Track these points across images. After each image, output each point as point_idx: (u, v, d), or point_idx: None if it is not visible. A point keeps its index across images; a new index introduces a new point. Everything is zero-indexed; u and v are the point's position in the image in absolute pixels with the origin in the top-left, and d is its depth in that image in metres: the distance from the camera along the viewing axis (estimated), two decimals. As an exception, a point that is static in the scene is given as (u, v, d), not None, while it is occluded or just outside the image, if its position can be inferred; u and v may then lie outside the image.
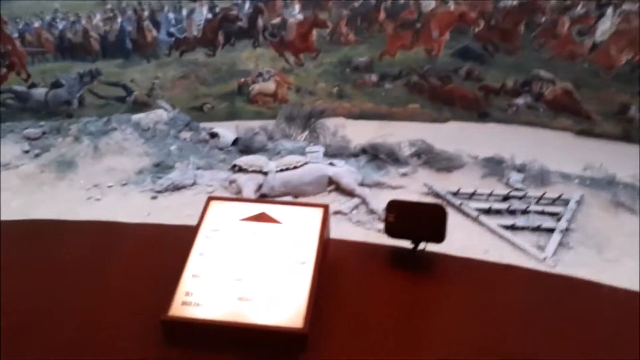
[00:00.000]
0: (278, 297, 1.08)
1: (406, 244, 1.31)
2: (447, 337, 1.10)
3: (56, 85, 10.16)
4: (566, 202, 5.23)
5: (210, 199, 1.30)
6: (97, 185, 5.57)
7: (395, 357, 1.04)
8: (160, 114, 6.79)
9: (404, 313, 1.15)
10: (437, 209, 1.23)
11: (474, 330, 1.10)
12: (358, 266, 1.27)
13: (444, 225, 1.21)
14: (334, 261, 1.24)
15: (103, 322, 1.10)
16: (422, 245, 1.28)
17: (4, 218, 1.50)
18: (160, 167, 5.98)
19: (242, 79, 10.51)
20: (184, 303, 1.08)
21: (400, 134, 7.01)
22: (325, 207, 1.28)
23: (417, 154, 6.35)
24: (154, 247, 1.30)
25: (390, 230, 1.25)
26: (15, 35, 9.86)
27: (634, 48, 8.29)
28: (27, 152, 6.26)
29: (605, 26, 8.43)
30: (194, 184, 5.66)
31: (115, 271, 1.21)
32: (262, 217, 1.24)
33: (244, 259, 1.16)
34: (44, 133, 6.55)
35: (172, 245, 1.27)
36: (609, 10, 8.38)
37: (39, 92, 10.02)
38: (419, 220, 1.23)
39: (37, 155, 6.12)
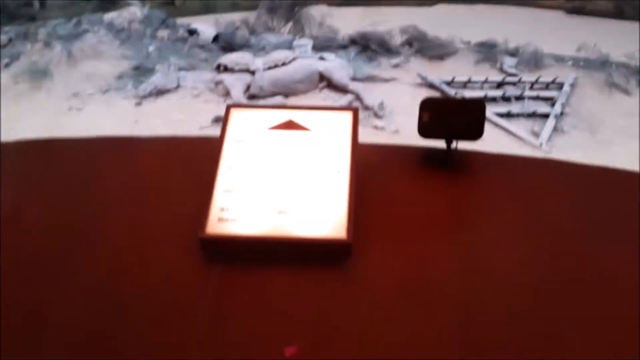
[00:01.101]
0: (316, 208, 1.05)
1: (431, 143, 1.26)
2: (491, 233, 1.09)
3: (12, -16, 9.28)
4: (560, 86, 5.16)
5: (230, 107, 1.21)
6: (76, 94, 5.28)
7: (440, 258, 1.04)
8: (133, 12, 6.29)
9: (445, 214, 1.13)
10: (476, 104, 1.16)
11: (519, 226, 1.09)
12: (391, 170, 1.23)
13: (482, 120, 1.15)
14: (366, 166, 1.19)
15: (138, 243, 1.06)
16: (453, 144, 1.23)
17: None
18: (140, 71, 5.66)
19: (215, -33, 9.69)
20: (220, 219, 1.04)
21: (387, 20, 6.67)
22: (355, 110, 1.21)
23: (408, 42, 6.09)
24: (176, 162, 1.23)
25: (424, 130, 1.19)
26: None
27: None
28: (-5, 61, 5.85)
29: None
30: (178, 86, 5.40)
31: (140, 190, 1.15)
32: (289, 125, 1.17)
33: (276, 170, 1.10)
34: (10, 40, 6.08)
35: (195, 158, 1.21)
36: None
37: (-6, -7, 9.17)
38: (456, 117, 1.16)
39: (7, 65, 5.73)
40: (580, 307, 0.94)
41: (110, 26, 6.08)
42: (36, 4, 9.40)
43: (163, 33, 6.36)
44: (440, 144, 1.25)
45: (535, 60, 5.69)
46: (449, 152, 1.21)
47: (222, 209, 1.05)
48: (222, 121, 1.18)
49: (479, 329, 0.92)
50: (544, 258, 1.03)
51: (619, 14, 8.27)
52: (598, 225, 1.09)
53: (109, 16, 6.28)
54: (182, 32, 6.40)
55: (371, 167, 1.22)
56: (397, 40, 6.08)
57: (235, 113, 1.20)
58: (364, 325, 0.93)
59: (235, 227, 1.03)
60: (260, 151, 1.13)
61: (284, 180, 1.09)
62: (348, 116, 1.19)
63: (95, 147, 1.32)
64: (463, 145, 1.23)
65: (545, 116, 4.71)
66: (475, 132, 1.15)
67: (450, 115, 1.17)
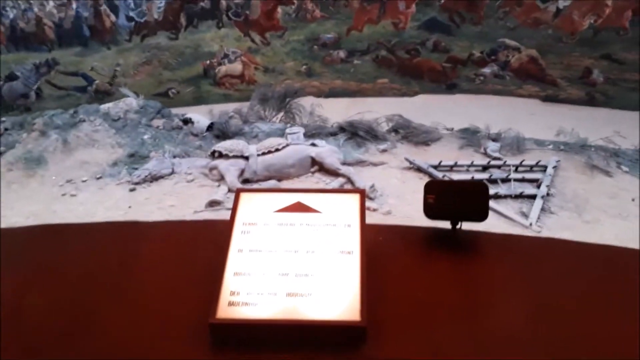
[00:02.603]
0: (329, 290, 1.04)
1: (439, 224, 1.29)
2: (503, 315, 1.09)
3: (11, 77, 9.64)
4: (544, 168, 5.34)
5: (239, 190, 1.24)
6: (70, 180, 5.33)
7: (456, 340, 1.02)
8: (129, 102, 6.51)
9: (455, 294, 1.12)
10: (479, 185, 1.20)
11: (527, 305, 1.09)
12: (400, 251, 1.24)
13: (486, 202, 1.19)
14: (373, 247, 1.20)
15: (145, 327, 1.03)
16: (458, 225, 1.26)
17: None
18: (135, 158, 5.77)
19: (208, 62, 10.23)
20: (231, 303, 1.03)
21: (372, 110, 6.98)
22: (362, 192, 1.24)
23: (394, 129, 6.34)
24: (185, 246, 1.23)
25: (430, 212, 1.22)
26: (-38, 26, 9.27)
27: (596, 12, 8.46)
28: (-11, 150, 5.91)
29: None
30: (172, 173, 5.49)
31: (149, 274, 1.14)
32: (298, 207, 1.19)
33: (287, 252, 1.11)
34: (6, 129, 6.21)
35: (205, 242, 1.22)
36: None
37: (-7, 86, 9.49)
38: (461, 199, 1.20)
39: (1, 153, 5.81)
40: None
41: (106, 116, 6.26)
42: (32, 95, 9.73)
43: (158, 122, 6.55)
44: (443, 224, 1.28)
45: (517, 145, 5.94)
46: (454, 232, 1.24)
47: (232, 293, 1.04)
48: (233, 204, 1.20)
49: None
50: (555, 337, 1.03)
51: (590, 101, 8.81)
52: (604, 302, 1.10)
53: (105, 106, 6.48)
54: (177, 122, 6.60)
55: (379, 248, 1.23)
56: (384, 127, 6.35)
57: (244, 196, 1.22)
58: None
59: (246, 311, 1.01)
60: (270, 233, 1.14)
61: (294, 262, 1.09)
62: (355, 198, 1.22)
63: (100, 232, 1.32)
64: (464, 225, 1.26)
65: (532, 197, 4.83)
66: (481, 214, 1.18)
67: (455, 197, 1.21)
